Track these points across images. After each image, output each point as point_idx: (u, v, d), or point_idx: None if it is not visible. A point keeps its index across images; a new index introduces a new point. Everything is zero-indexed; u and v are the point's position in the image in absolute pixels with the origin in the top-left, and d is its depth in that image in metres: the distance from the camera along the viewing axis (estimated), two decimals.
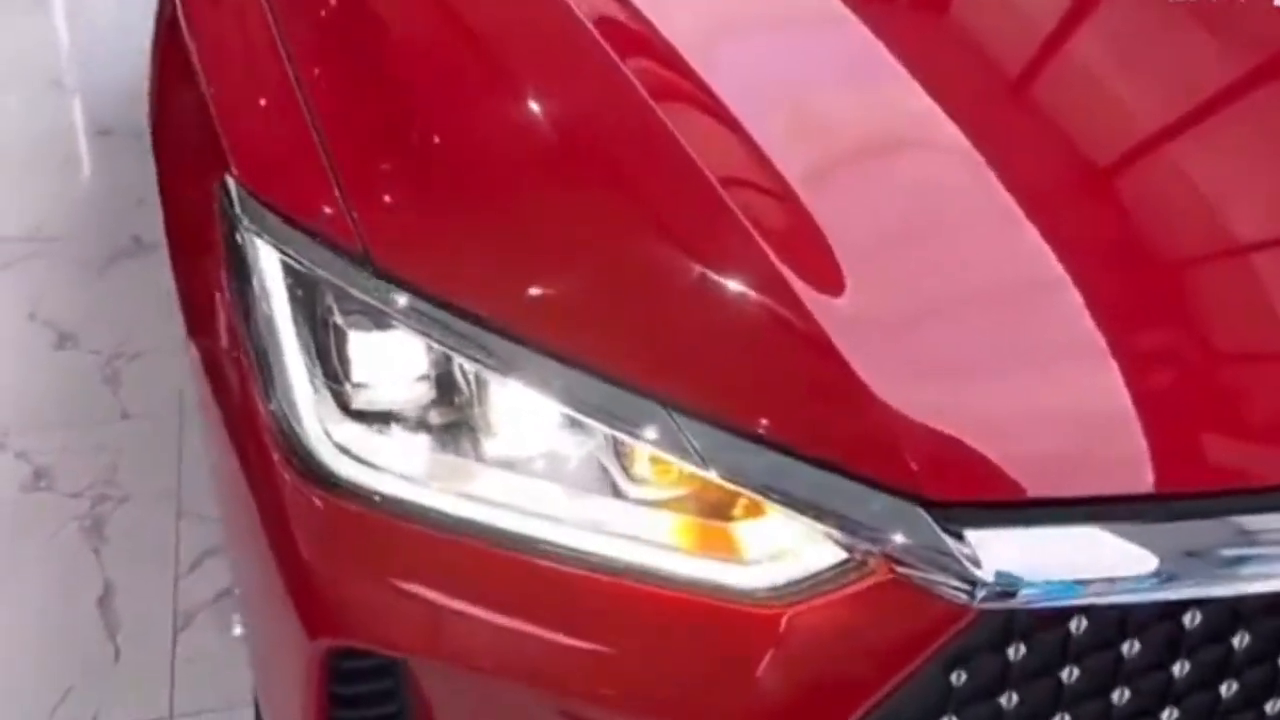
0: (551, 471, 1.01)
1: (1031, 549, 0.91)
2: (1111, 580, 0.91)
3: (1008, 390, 0.97)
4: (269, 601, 1.08)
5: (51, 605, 1.81)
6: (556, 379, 0.97)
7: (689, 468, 0.95)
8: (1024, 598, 0.90)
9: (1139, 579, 0.90)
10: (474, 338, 0.99)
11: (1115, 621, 0.94)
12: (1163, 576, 0.90)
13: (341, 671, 1.08)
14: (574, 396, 0.97)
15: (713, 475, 0.94)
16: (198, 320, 1.18)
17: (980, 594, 0.90)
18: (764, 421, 0.94)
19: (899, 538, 0.91)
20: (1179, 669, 0.96)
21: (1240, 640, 0.96)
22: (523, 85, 1.15)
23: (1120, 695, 0.96)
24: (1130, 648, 0.95)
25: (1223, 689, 0.98)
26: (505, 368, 0.98)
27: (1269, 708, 1.01)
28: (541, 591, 0.99)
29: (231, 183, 1.11)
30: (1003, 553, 0.91)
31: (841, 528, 0.93)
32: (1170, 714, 0.99)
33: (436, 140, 1.10)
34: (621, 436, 0.97)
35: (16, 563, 1.86)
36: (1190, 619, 0.95)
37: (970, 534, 0.91)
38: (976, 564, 0.90)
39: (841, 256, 1.00)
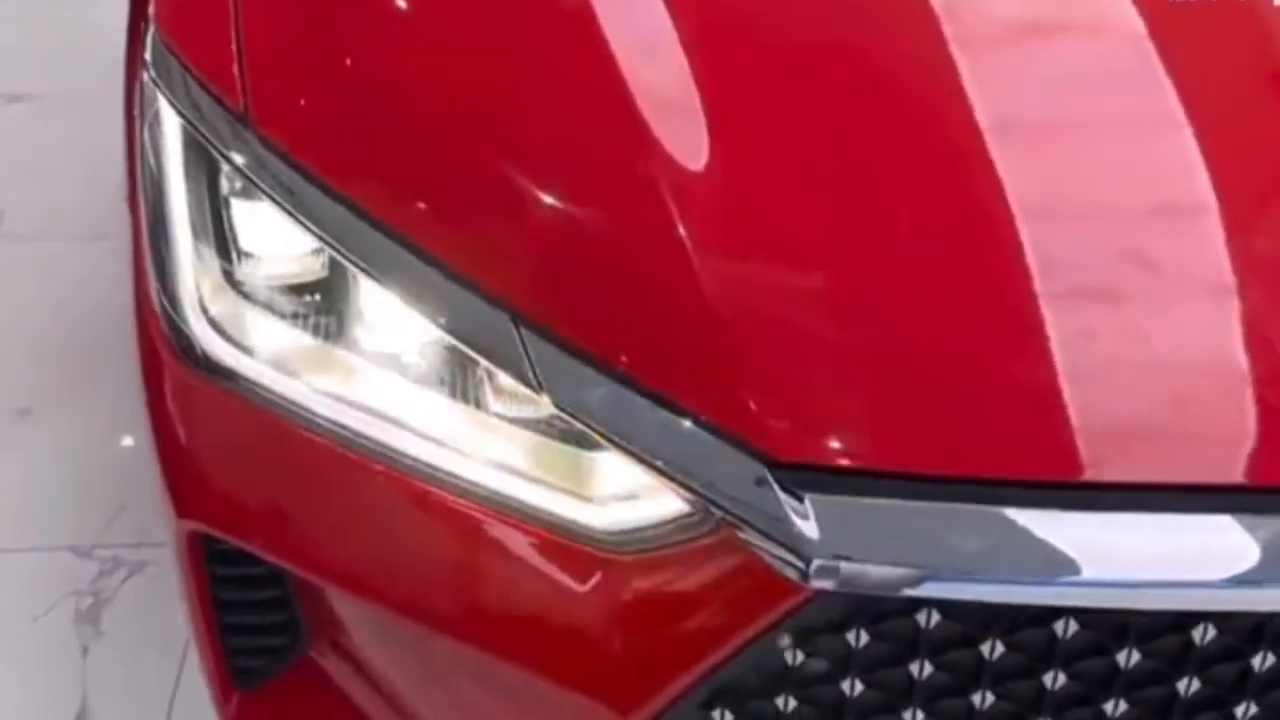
0: (415, 374, 0.94)
1: (876, 526, 0.81)
2: (957, 571, 0.80)
3: (878, 353, 0.85)
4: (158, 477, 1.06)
5: None
6: (412, 277, 0.90)
7: (525, 390, 0.87)
8: (859, 580, 0.80)
9: (975, 575, 0.79)
10: (339, 220, 0.92)
11: (978, 617, 0.83)
12: (1002, 574, 0.79)
13: (221, 552, 1.05)
14: (426, 298, 0.90)
15: (547, 402, 0.86)
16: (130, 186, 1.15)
17: (814, 569, 0.80)
18: (612, 354, 0.85)
19: (736, 495, 0.82)
20: (1052, 679, 0.85)
21: (1127, 657, 0.84)
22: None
23: (982, 699, 0.85)
24: (993, 649, 0.83)
25: (1108, 707, 0.86)
26: (364, 257, 0.92)
27: None
28: (383, 499, 0.94)
29: (151, 35, 1.06)
30: (845, 524, 0.80)
31: (679, 477, 0.84)
32: None
33: (338, 21, 1.02)
34: (463, 347, 0.89)
35: None
36: (1064, 627, 0.83)
37: (813, 501, 0.81)
38: (808, 534, 0.80)
39: (713, 198, 0.89)
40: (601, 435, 0.85)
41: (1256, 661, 0.86)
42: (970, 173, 0.93)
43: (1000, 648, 0.83)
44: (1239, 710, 0.88)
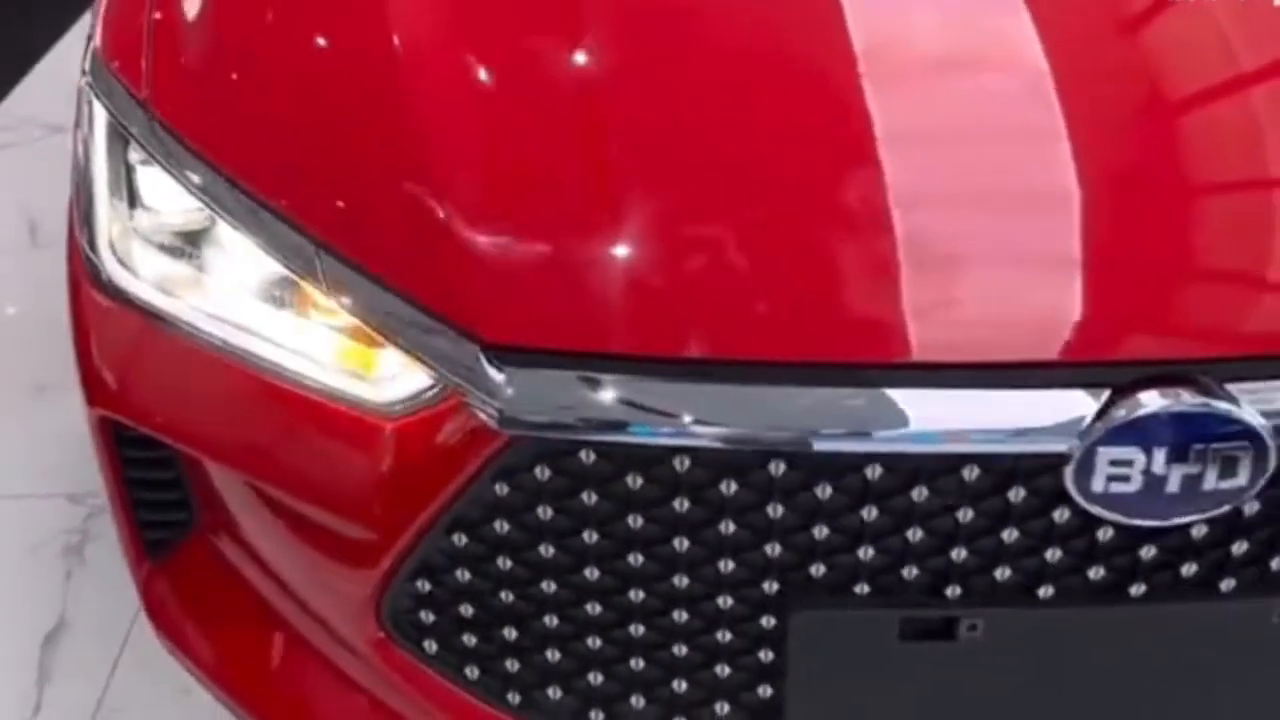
0: (256, 293, 1.26)
1: (551, 389, 1.11)
2: (616, 424, 1.11)
3: (580, 247, 1.15)
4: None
5: None
6: (252, 219, 1.23)
7: (319, 293, 1.19)
8: (533, 427, 1.11)
9: (612, 428, 1.10)
10: (206, 179, 1.26)
11: (621, 459, 1.13)
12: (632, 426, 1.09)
13: (127, 437, 1.38)
14: (262, 235, 1.22)
15: (332, 301, 1.18)
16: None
17: (503, 422, 1.11)
18: (375, 266, 1.17)
19: (455, 369, 1.13)
20: (682, 506, 1.15)
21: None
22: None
23: (635, 521, 1.15)
24: (634, 482, 1.13)
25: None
26: (222, 206, 1.24)
27: (814, 571, 1.18)
28: (233, 386, 1.26)
29: (90, 50, 1.41)
30: (528, 391, 1.11)
31: (422, 357, 1.15)
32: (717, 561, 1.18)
33: (212, 34, 1.35)
34: (286, 270, 1.22)
35: None
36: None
37: (507, 371, 1.12)
38: (502, 396, 1.11)
39: (453, 122, 1.20)
40: (372, 328, 1.17)
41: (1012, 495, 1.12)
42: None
43: (640, 481, 1.13)
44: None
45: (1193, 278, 1.13)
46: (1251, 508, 1.14)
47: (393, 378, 1.19)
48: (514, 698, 1.29)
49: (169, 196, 1.30)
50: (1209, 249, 1.13)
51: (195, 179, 1.26)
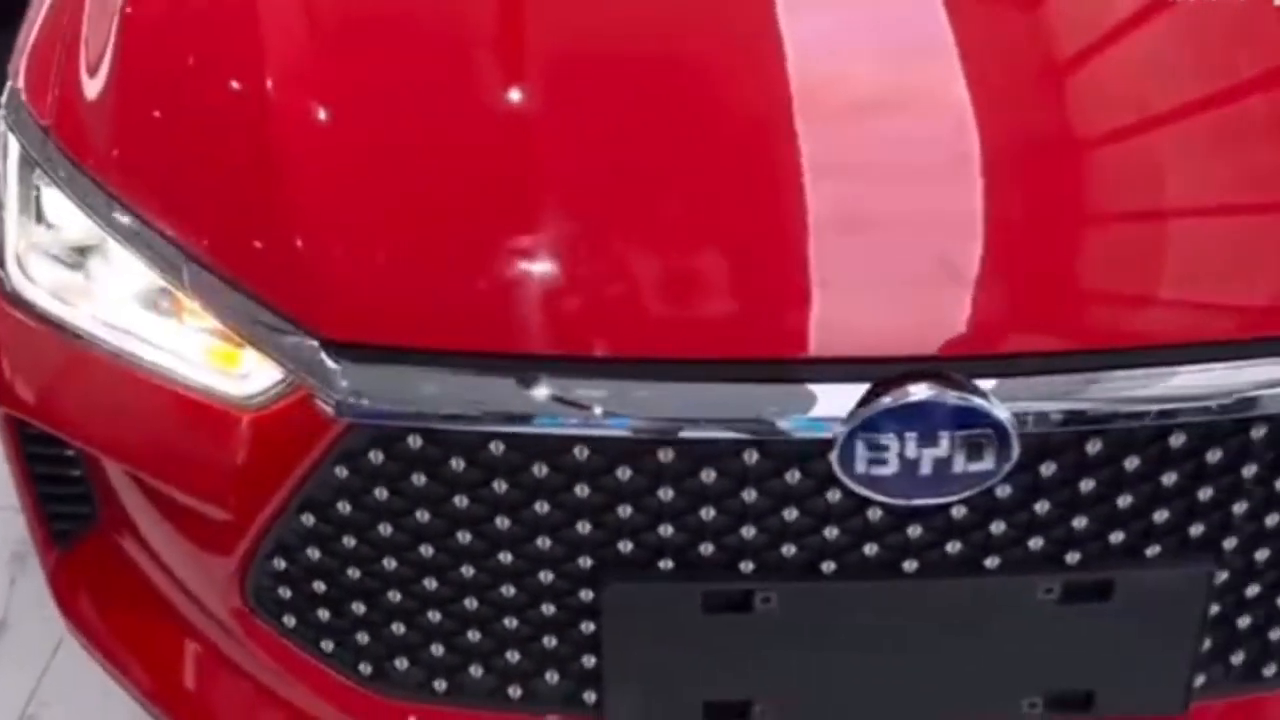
0: (140, 300, 1.41)
1: (382, 381, 1.26)
2: (437, 413, 1.25)
3: (403, 258, 1.29)
4: None
5: None
6: (135, 235, 1.38)
7: (185, 297, 1.34)
8: (365, 415, 1.26)
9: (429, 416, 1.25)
10: (95, 199, 1.41)
11: (447, 444, 1.28)
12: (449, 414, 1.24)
13: (31, 434, 1.53)
14: (142, 249, 1.37)
15: (196, 304, 1.33)
16: None
17: (339, 410, 1.26)
18: (238, 276, 1.32)
19: (300, 363, 1.28)
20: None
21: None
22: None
23: (460, 501, 1.29)
24: (458, 464, 1.28)
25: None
26: (109, 224, 1.39)
27: (622, 547, 1.32)
28: (117, 385, 1.40)
29: (9, 85, 1.57)
30: (360, 382, 1.26)
31: (273, 354, 1.30)
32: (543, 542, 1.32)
33: (108, 69, 1.50)
34: (163, 280, 1.37)
35: None
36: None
37: (344, 365, 1.26)
38: (339, 387, 1.26)
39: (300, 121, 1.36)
40: (229, 328, 1.32)
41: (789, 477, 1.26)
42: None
43: (462, 464, 1.28)
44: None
45: (945, 282, 1.27)
46: (1004, 491, 1.27)
47: (249, 374, 1.34)
48: (365, 669, 1.43)
49: (66, 215, 1.45)
50: (962, 256, 1.27)
51: (86, 198, 1.42)
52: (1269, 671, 1.42)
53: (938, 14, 1.42)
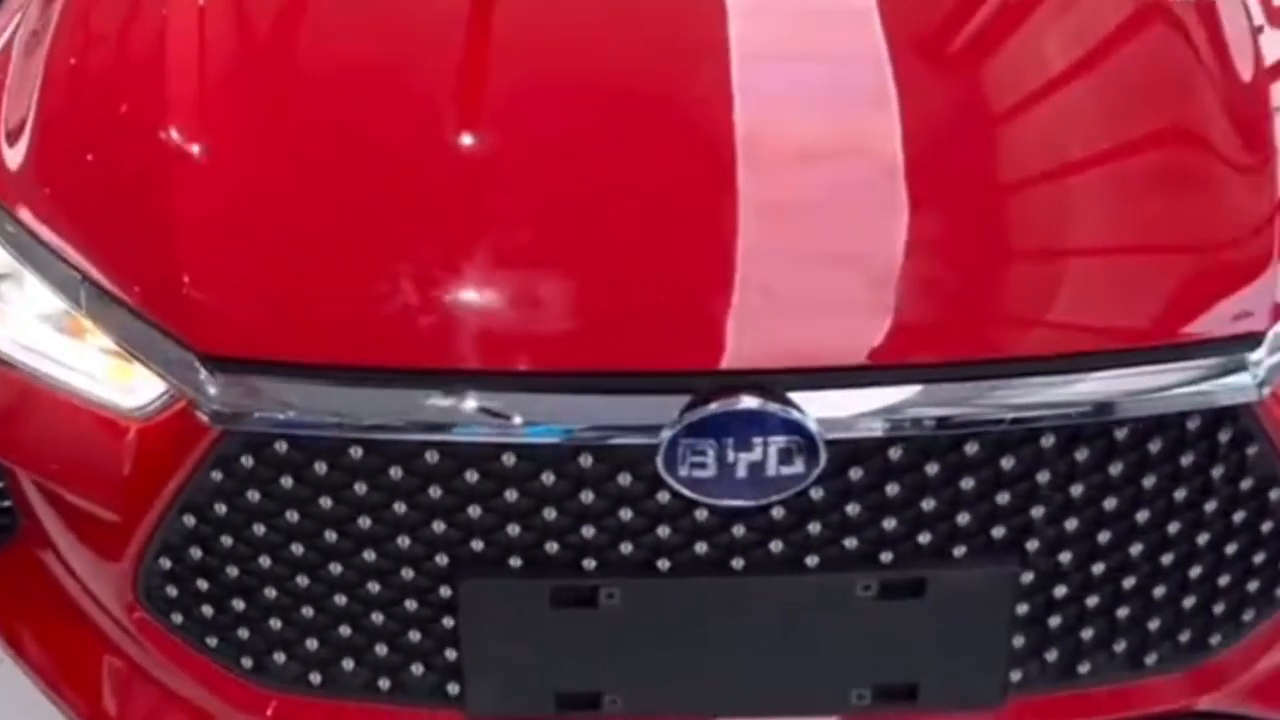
0: (53, 325, 1.53)
1: (251, 391, 1.39)
2: (299, 421, 1.38)
3: (273, 280, 1.44)
4: None
5: None
6: (41, 262, 1.52)
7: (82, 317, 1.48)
8: (236, 421, 1.39)
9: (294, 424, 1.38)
10: (11, 235, 1.55)
11: (313, 449, 1.40)
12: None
13: None
14: (46, 273, 1.51)
15: (91, 322, 1.47)
16: None
17: (213, 419, 1.39)
18: (124, 293, 1.46)
19: (180, 376, 1.41)
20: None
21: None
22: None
23: (325, 502, 1.42)
24: (320, 467, 1.40)
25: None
26: (29, 259, 1.53)
27: (475, 546, 1.44)
28: (32, 399, 1.53)
29: None
30: (230, 393, 1.39)
31: (156, 368, 1.43)
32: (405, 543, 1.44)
33: (30, 116, 1.64)
34: (67, 305, 1.50)
35: None
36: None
37: (217, 377, 1.39)
38: (210, 400, 1.39)
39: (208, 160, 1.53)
40: (117, 344, 1.45)
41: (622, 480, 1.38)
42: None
43: (325, 468, 1.40)
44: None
45: (764, 306, 1.40)
46: (818, 494, 1.40)
47: (137, 388, 1.47)
48: (247, 663, 1.54)
49: None
50: (777, 283, 1.41)
51: (2, 231, 1.56)
52: (1083, 669, 1.53)
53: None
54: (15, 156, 1.61)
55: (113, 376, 1.50)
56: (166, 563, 1.50)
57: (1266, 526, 1.50)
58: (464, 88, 1.61)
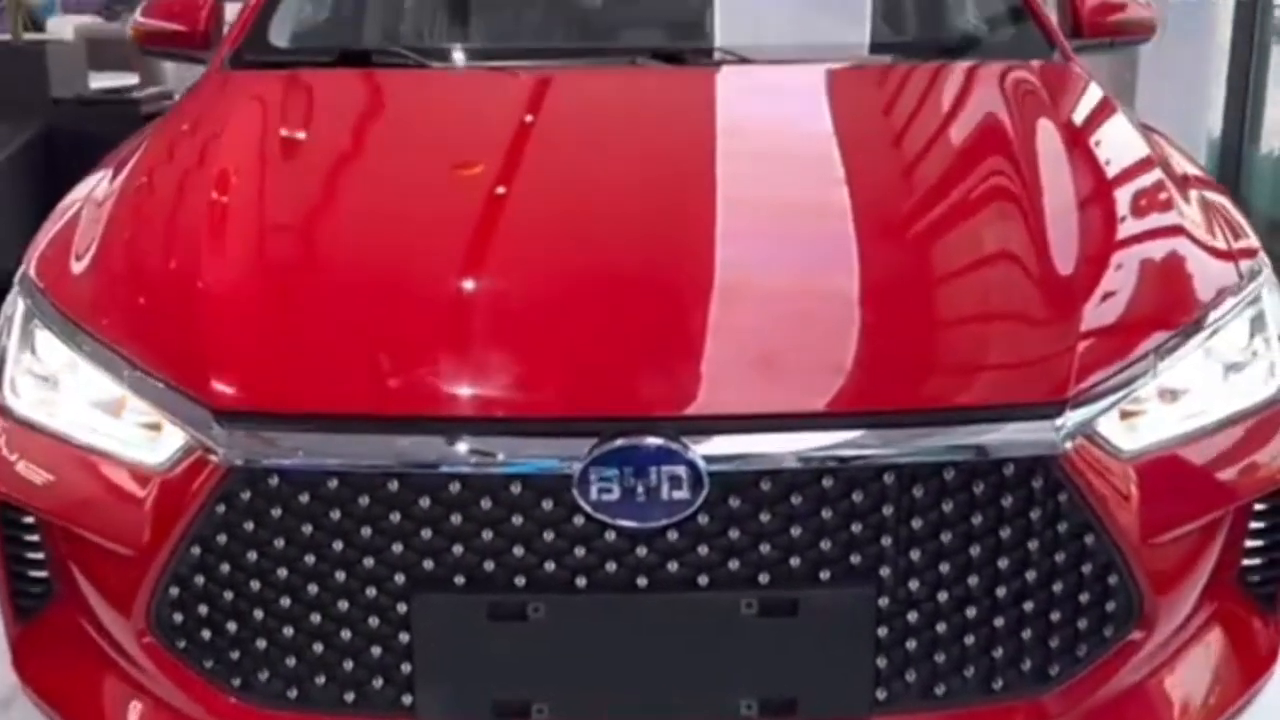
0: (99, 405, 1.92)
1: (255, 438, 1.75)
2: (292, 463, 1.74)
3: (275, 353, 1.84)
4: None
5: None
6: (93, 353, 1.91)
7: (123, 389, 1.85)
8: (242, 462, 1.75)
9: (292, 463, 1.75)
10: (70, 335, 1.95)
11: (306, 481, 1.75)
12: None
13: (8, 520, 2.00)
14: (96, 359, 1.90)
15: (129, 392, 1.84)
16: None
17: (221, 464, 1.75)
18: (156, 362, 1.85)
19: (201, 430, 1.78)
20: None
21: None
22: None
23: (306, 529, 1.75)
24: (303, 497, 1.75)
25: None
26: (78, 348, 1.93)
27: (426, 565, 1.76)
28: (70, 464, 1.90)
29: (23, 269, 2.14)
30: (236, 438, 1.75)
31: (178, 423, 1.80)
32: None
33: (92, 251, 2.09)
34: (110, 379, 1.88)
35: None
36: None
37: (227, 428, 1.76)
38: (224, 443, 1.75)
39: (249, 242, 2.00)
40: (152, 405, 1.82)
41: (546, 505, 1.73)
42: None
43: (307, 498, 1.74)
44: None
45: (660, 365, 1.79)
46: (705, 520, 1.73)
47: (161, 449, 1.83)
48: (236, 681, 1.84)
49: (50, 347, 1.99)
50: (671, 347, 1.81)
51: (63, 333, 1.96)
52: (940, 691, 1.81)
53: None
54: (80, 276, 2.04)
55: (143, 442, 1.87)
56: (175, 590, 1.82)
57: (1086, 569, 1.81)
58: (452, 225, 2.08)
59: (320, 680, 1.82)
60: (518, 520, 1.74)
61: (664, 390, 1.77)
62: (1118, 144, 2.36)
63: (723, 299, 1.87)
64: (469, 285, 1.91)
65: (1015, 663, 1.83)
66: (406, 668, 1.80)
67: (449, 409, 1.77)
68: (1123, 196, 2.19)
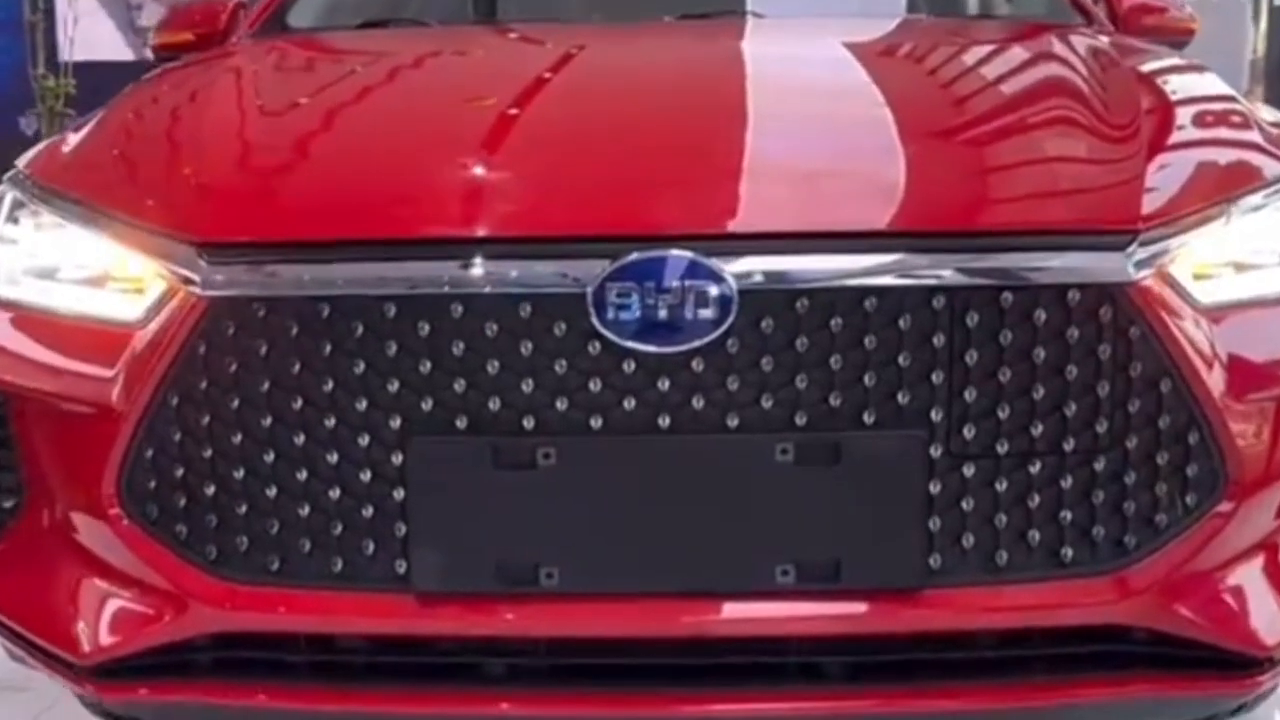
0: (85, 274, 1.77)
1: (238, 268, 1.60)
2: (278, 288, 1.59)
3: (248, 184, 1.71)
4: None
5: None
6: (85, 219, 1.78)
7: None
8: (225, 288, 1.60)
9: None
10: (62, 206, 1.82)
11: (290, 310, 1.59)
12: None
13: None
14: (88, 225, 1.77)
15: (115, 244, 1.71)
16: None
17: (199, 291, 1.60)
18: (140, 212, 1.71)
19: (184, 265, 1.63)
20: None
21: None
22: None
23: (293, 366, 1.58)
24: (291, 327, 1.58)
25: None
26: (71, 217, 1.80)
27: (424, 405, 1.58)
28: (46, 335, 1.76)
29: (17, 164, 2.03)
30: (218, 270, 1.60)
31: (160, 266, 1.65)
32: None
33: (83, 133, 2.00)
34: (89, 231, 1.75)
35: None
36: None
37: (207, 258, 1.61)
38: (201, 280, 1.60)
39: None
40: (136, 249, 1.68)
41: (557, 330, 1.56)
42: None
43: (295, 328, 1.58)
44: None
45: (682, 184, 1.64)
46: (735, 347, 1.55)
47: (144, 301, 1.68)
48: (211, 552, 1.64)
49: (34, 223, 1.85)
50: (694, 167, 1.66)
51: (47, 204, 1.83)
52: (1001, 560, 1.60)
53: None
54: (68, 156, 1.93)
55: (124, 304, 1.70)
56: (150, 451, 1.64)
57: (1164, 423, 1.61)
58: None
59: (305, 547, 1.62)
60: (526, 349, 1.56)
61: (690, 206, 1.61)
62: (1190, 75, 2.24)
63: (757, 116, 1.74)
64: (474, 105, 1.80)
65: (1087, 531, 1.61)
66: (401, 529, 1.60)
67: (450, 226, 1.62)
68: (1192, 102, 2.05)
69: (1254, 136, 1.90)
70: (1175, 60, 2.32)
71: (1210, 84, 2.14)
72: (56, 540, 1.79)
